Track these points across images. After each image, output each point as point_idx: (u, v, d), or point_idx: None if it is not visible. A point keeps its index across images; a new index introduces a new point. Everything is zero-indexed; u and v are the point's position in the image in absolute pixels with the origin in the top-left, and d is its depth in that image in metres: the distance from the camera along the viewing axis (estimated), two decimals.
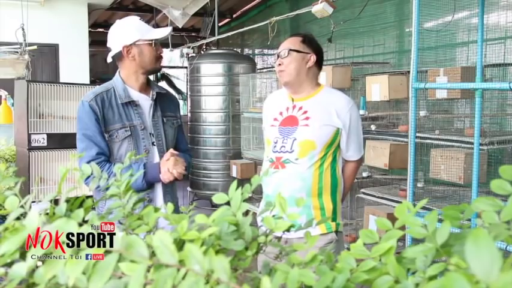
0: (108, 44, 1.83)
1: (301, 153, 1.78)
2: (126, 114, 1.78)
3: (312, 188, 1.78)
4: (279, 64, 1.84)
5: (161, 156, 1.81)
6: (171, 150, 1.78)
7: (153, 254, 0.47)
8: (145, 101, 1.83)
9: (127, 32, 1.78)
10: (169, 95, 2.02)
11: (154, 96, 1.84)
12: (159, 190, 1.81)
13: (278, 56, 1.85)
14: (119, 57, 1.81)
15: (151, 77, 1.95)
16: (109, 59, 1.85)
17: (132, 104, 1.80)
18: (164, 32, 1.82)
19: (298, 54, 1.82)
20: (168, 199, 1.82)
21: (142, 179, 1.70)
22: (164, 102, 1.90)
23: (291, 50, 1.82)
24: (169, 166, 1.71)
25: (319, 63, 1.88)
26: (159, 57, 1.83)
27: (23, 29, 4.13)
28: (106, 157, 1.73)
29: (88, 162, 1.65)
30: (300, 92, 1.86)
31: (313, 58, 1.84)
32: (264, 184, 1.88)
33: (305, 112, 1.82)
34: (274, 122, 1.88)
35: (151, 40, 1.78)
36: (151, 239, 0.47)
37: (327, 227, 1.79)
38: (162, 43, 1.86)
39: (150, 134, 1.82)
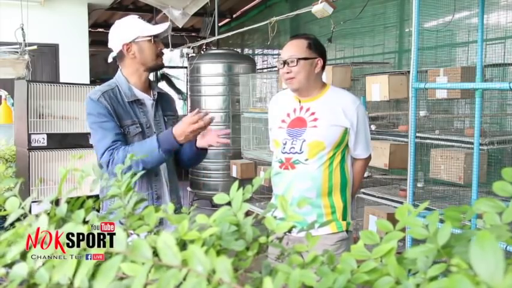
0: (109, 45, 1.83)
1: (311, 153, 1.79)
2: (134, 112, 1.78)
3: (322, 187, 1.79)
4: (287, 72, 1.80)
5: None
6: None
7: (153, 254, 0.47)
8: (148, 101, 1.85)
9: (126, 30, 1.78)
10: (167, 95, 2.03)
11: (156, 96, 1.86)
12: (165, 188, 1.83)
13: (285, 63, 1.80)
14: (120, 56, 1.81)
15: (151, 77, 1.95)
16: (110, 59, 1.85)
17: (137, 102, 1.80)
18: (162, 27, 1.79)
19: (306, 61, 1.80)
20: (173, 196, 1.85)
21: (159, 150, 1.66)
22: (164, 102, 1.92)
23: (299, 59, 1.79)
24: (192, 122, 1.62)
25: (323, 64, 1.88)
26: (159, 54, 1.82)
27: (22, 29, 4.12)
28: (122, 142, 1.70)
29: (104, 152, 1.64)
30: (307, 94, 1.86)
31: (320, 62, 1.84)
32: (274, 185, 1.89)
33: (313, 113, 1.83)
34: (282, 124, 1.88)
35: (150, 36, 1.77)
36: (153, 240, 0.47)
37: (337, 226, 1.81)
38: (162, 43, 1.86)
39: (154, 133, 1.82)
